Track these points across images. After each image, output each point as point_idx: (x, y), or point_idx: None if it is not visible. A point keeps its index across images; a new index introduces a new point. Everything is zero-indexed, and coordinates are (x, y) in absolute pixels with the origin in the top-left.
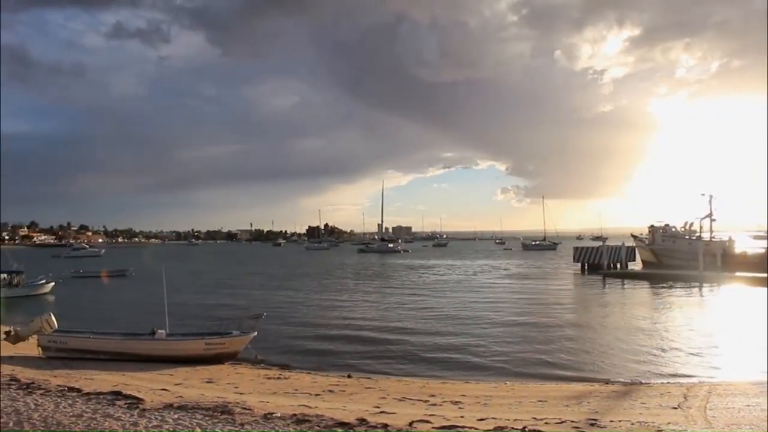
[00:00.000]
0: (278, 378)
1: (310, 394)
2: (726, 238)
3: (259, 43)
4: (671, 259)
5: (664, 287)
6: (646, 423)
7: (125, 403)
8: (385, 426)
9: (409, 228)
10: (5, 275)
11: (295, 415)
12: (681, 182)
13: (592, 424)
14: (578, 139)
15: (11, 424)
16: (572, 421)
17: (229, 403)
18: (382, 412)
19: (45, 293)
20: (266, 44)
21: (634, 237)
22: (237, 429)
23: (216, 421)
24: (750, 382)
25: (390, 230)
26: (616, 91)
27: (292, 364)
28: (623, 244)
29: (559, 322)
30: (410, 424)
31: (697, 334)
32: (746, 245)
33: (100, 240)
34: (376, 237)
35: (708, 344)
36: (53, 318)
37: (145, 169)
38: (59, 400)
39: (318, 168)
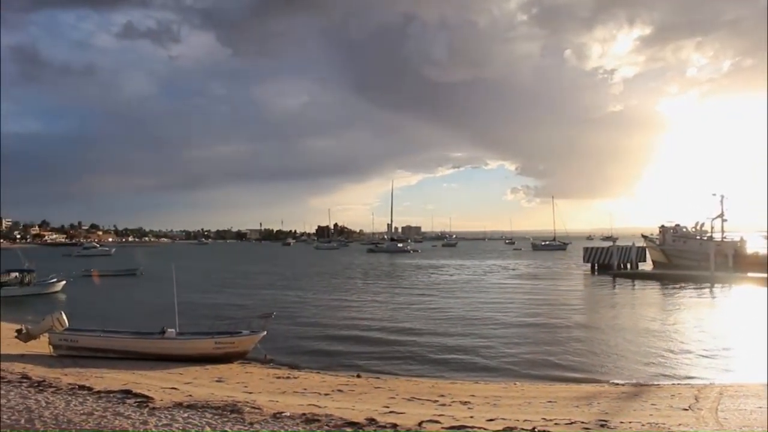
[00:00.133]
0: (287, 377)
1: (320, 394)
2: (737, 239)
3: (268, 43)
4: (682, 259)
5: (674, 288)
6: (656, 424)
7: (135, 402)
8: (395, 426)
9: (419, 228)
10: (17, 274)
11: (304, 414)
12: (691, 182)
13: (602, 425)
14: (588, 138)
15: (23, 421)
16: (582, 422)
17: (239, 402)
18: (391, 411)
19: (56, 292)
20: (276, 44)
21: (645, 237)
22: (246, 428)
23: (225, 420)
24: (762, 384)
25: (399, 230)
26: (626, 91)
27: (301, 364)
28: (633, 244)
29: (568, 323)
30: (419, 424)
31: (709, 335)
32: (758, 245)
33: (110, 239)
34: (385, 237)
35: (719, 346)
36: (64, 316)
37: (155, 168)
38: (70, 398)
39: (327, 168)
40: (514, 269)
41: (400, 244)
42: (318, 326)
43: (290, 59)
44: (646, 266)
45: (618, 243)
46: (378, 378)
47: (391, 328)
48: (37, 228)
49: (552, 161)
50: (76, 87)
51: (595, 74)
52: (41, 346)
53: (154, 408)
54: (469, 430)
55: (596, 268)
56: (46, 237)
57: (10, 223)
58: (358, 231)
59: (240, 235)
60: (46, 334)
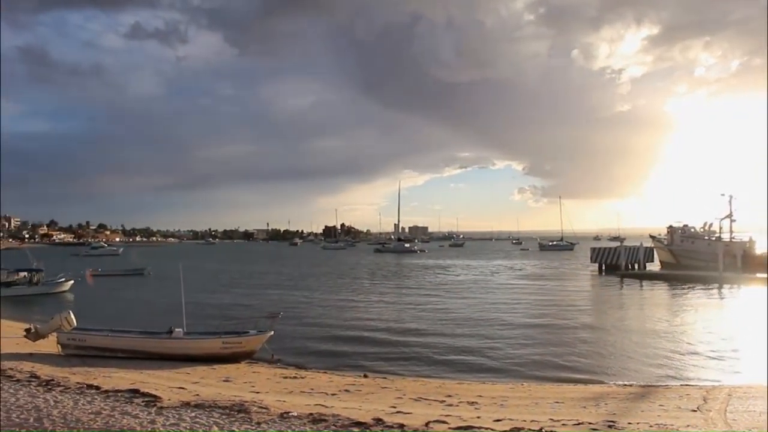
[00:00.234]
0: (294, 377)
1: (327, 394)
2: (746, 239)
3: (276, 43)
4: (690, 259)
5: (683, 288)
6: (664, 425)
7: (143, 401)
8: (402, 426)
9: (426, 228)
10: (25, 273)
11: (311, 414)
12: (700, 182)
13: (610, 426)
14: (596, 138)
15: (31, 420)
16: (589, 423)
17: (246, 401)
18: (398, 412)
19: (64, 291)
20: (283, 44)
21: (653, 237)
22: (254, 428)
23: (233, 419)
24: None
25: (406, 230)
26: (634, 91)
27: (308, 364)
28: (641, 244)
29: (575, 324)
30: (426, 424)
31: (717, 337)
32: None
33: (118, 239)
34: (392, 237)
35: (728, 347)
36: (72, 316)
37: (162, 168)
38: (78, 397)
39: (335, 168)
40: (521, 269)
41: (407, 245)
42: (325, 326)
43: (297, 59)
44: (654, 267)
45: (626, 243)
46: (385, 378)
47: (397, 329)
48: (45, 228)
49: (559, 161)
50: (84, 87)
51: (602, 74)
52: (50, 345)
53: (161, 407)
54: (477, 430)
55: (604, 268)
56: (55, 237)
57: (18, 223)
58: (365, 231)
59: (247, 235)
60: (55, 334)
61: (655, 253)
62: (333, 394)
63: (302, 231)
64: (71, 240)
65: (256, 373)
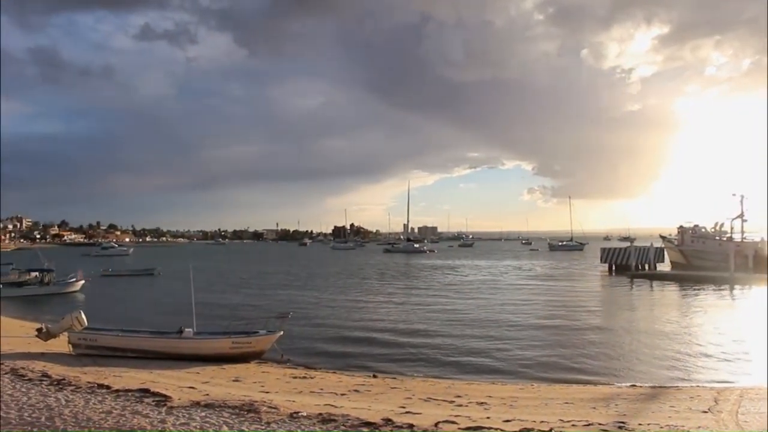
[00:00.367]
0: (304, 377)
1: (336, 394)
2: (758, 239)
3: (285, 44)
4: (701, 260)
5: (693, 289)
6: (675, 426)
7: (153, 401)
8: (411, 426)
9: (435, 228)
10: (37, 273)
11: (320, 414)
12: (710, 182)
13: (620, 427)
14: (605, 138)
15: (43, 419)
16: (600, 424)
17: (256, 401)
18: (407, 412)
19: (75, 291)
20: (292, 45)
21: (663, 238)
22: (263, 428)
23: (242, 419)
24: None
25: (416, 230)
26: (644, 90)
27: (317, 364)
28: (651, 244)
29: (585, 326)
30: (436, 424)
31: (728, 338)
32: None
33: (128, 239)
34: (401, 237)
35: (739, 349)
36: (83, 316)
37: (172, 169)
38: (89, 396)
39: (344, 168)
40: (530, 270)
41: (416, 245)
42: (334, 327)
43: (306, 60)
44: (665, 267)
45: (636, 243)
46: (394, 378)
47: (406, 330)
48: (56, 228)
49: (569, 161)
50: (94, 88)
51: (612, 74)
52: (61, 344)
53: (171, 407)
54: (486, 430)
55: (614, 268)
56: (65, 237)
57: (30, 223)
58: (374, 231)
59: (257, 235)
60: (66, 333)
61: (665, 253)
62: (342, 394)
63: (312, 231)
64: (82, 240)
65: (265, 373)
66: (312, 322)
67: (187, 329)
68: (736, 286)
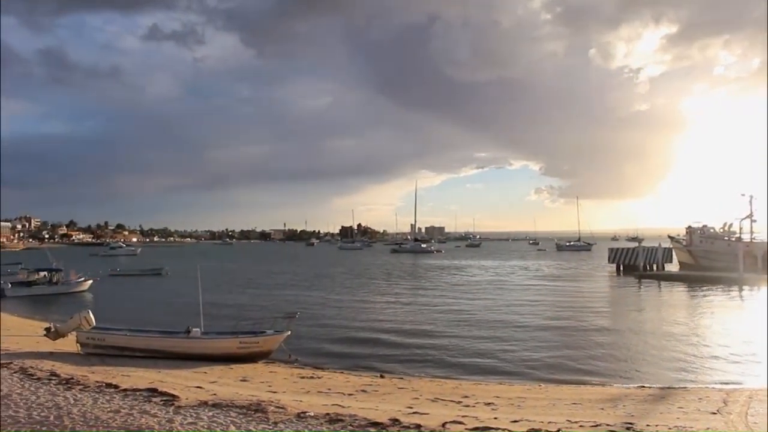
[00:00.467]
0: (311, 377)
1: (343, 394)
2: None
3: (292, 44)
4: (709, 260)
5: (702, 290)
6: (683, 428)
7: (161, 400)
8: (418, 426)
9: (442, 228)
10: (45, 273)
11: (328, 414)
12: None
13: (628, 428)
14: (613, 138)
15: (51, 418)
16: (607, 425)
17: (263, 401)
18: (414, 412)
19: (83, 291)
20: (299, 45)
21: (671, 238)
22: (271, 427)
23: (250, 419)
24: None
25: (423, 230)
26: (652, 90)
27: (324, 364)
28: (659, 245)
29: (593, 327)
30: (443, 424)
31: (737, 339)
32: None
33: (135, 239)
34: (409, 237)
35: (749, 350)
36: (91, 315)
37: (180, 169)
38: (97, 395)
39: (351, 168)
40: (537, 270)
41: (423, 245)
42: (341, 327)
43: (313, 60)
44: (673, 267)
45: (644, 244)
46: (401, 378)
47: (413, 331)
48: (64, 228)
49: (576, 161)
50: (102, 89)
51: (620, 73)
52: (69, 344)
53: (179, 406)
54: (494, 431)
55: (621, 269)
56: (74, 237)
57: (39, 223)
58: (381, 231)
59: (264, 235)
60: (74, 333)
61: (673, 253)
62: (350, 395)
63: (319, 231)
64: (90, 240)
65: (273, 372)
66: (319, 322)
67: (194, 329)
68: (745, 287)
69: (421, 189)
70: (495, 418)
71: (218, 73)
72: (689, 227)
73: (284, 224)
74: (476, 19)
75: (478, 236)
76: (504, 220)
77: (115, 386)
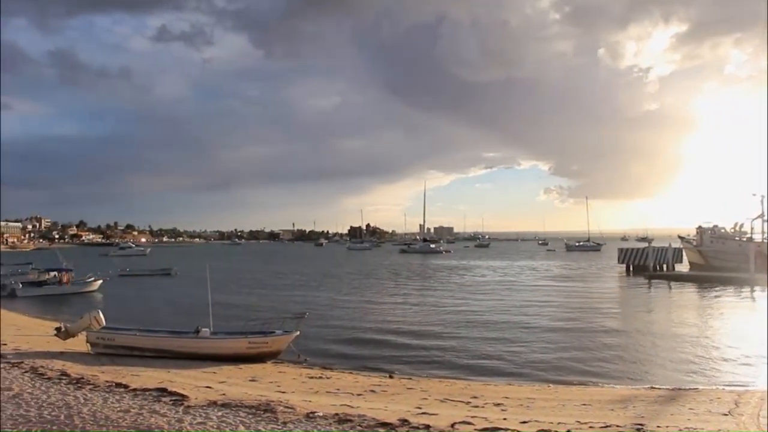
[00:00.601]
0: (320, 377)
1: (352, 394)
2: None
3: (301, 45)
4: (720, 261)
5: (712, 290)
6: (694, 429)
7: (170, 400)
8: (427, 427)
9: (451, 228)
10: (55, 273)
11: (337, 414)
12: (730, 182)
13: (638, 429)
14: (623, 138)
15: (62, 417)
16: (617, 426)
17: (272, 401)
18: (423, 413)
19: (93, 291)
20: (308, 45)
21: (682, 238)
22: (280, 427)
23: (259, 419)
24: None
25: (432, 230)
26: (662, 89)
27: (333, 364)
28: (670, 245)
29: (602, 328)
30: (452, 425)
31: (749, 341)
32: None
33: (144, 239)
34: (417, 237)
35: (760, 352)
36: (101, 315)
37: (189, 169)
38: (107, 395)
39: (360, 168)
40: (546, 270)
41: (432, 245)
42: (349, 328)
43: (322, 60)
44: (683, 268)
45: (653, 244)
46: (410, 379)
47: (421, 332)
48: (74, 228)
49: (586, 161)
50: (112, 90)
51: (629, 73)
52: (79, 344)
53: (188, 406)
54: (503, 431)
55: (631, 269)
56: (84, 237)
57: (49, 224)
58: (390, 231)
59: (273, 236)
60: (84, 333)
61: (683, 254)
62: (359, 395)
63: (328, 231)
64: (100, 240)
65: (281, 373)
66: (328, 322)
67: (203, 329)
68: (757, 288)
69: (429, 189)
70: (504, 419)
71: (227, 73)
72: (699, 227)
73: (293, 224)
74: (484, 19)
75: (487, 236)
76: (513, 220)
77: (125, 386)
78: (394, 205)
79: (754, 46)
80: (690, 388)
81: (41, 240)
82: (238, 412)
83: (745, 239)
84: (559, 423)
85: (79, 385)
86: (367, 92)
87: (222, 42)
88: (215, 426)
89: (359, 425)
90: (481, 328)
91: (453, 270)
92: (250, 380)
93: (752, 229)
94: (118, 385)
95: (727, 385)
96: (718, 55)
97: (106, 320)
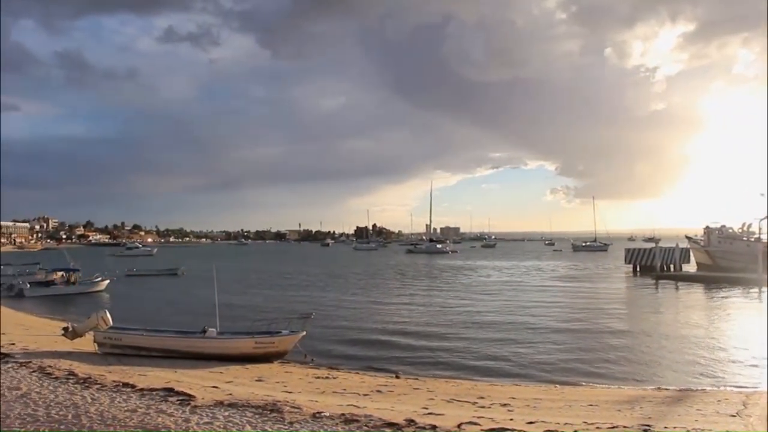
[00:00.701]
0: (327, 377)
1: (359, 394)
2: None
3: (307, 45)
4: (728, 261)
5: (720, 291)
6: (702, 430)
7: (177, 400)
8: (434, 427)
9: (458, 228)
10: (63, 273)
11: (343, 414)
12: (738, 183)
13: (645, 430)
14: (630, 138)
15: (70, 417)
16: (624, 426)
17: (279, 401)
18: (430, 413)
19: (100, 291)
20: (314, 45)
21: (689, 238)
22: (286, 427)
23: (265, 419)
24: None
25: (438, 231)
26: (669, 89)
27: (340, 365)
28: (677, 245)
29: (609, 329)
30: (459, 425)
31: (757, 342)
32: None
33: (151, 240)
34: (424, 237)
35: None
36: (108, 315)
37: (196, 170)
38: (114, 395)
39: (366, 168)
40: (553, 271)
41: (438, 245)
42: (356, 328)
43: (328, 60)
44: (690, 268)
45: (660, 244)
46: (417, 379)
47: (427, 332)
48: (81, 228)
49: (592, 161)
50: (119, 90)
51: (636, 72)
52: (86, 343)
53: (195, 406)
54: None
55: (638, 269)
56: (91, 237)
57: (56, 224)
58: (396, 232)
59: (279, 236)
60: (91, 332)
61: (691, 254)
62: (365, 395)
63: (334, 232)
64: (107, 240)
65: (288, 373)
66: (334, 323)
67: (210, 329)
68: (765, 288)
69: (436, 189)
70: (511, 419)
71: (233, 74)
72: (707, 227)
73: (299, 225)
74: (491, 19)
75: (493, 237)
76: (519, 220)
77: (132, 386)
78: (400, 206)
79: (762, 45)
80: (697, 389)
81: (49, 240)
82: (245, 412)
83: (753, 239)
84: (565, 423)
85: (87, 384)
86: (374, 92)
87: (228, 43)
88: (222, 426)
89: (366, 425)
90: (488, 329)
91: (459, 270)
92: (257, 380)
93: (760, 229)
94: (126, 384)
95: (735, 387)
96: (725, 55)
97: (113, 320)
